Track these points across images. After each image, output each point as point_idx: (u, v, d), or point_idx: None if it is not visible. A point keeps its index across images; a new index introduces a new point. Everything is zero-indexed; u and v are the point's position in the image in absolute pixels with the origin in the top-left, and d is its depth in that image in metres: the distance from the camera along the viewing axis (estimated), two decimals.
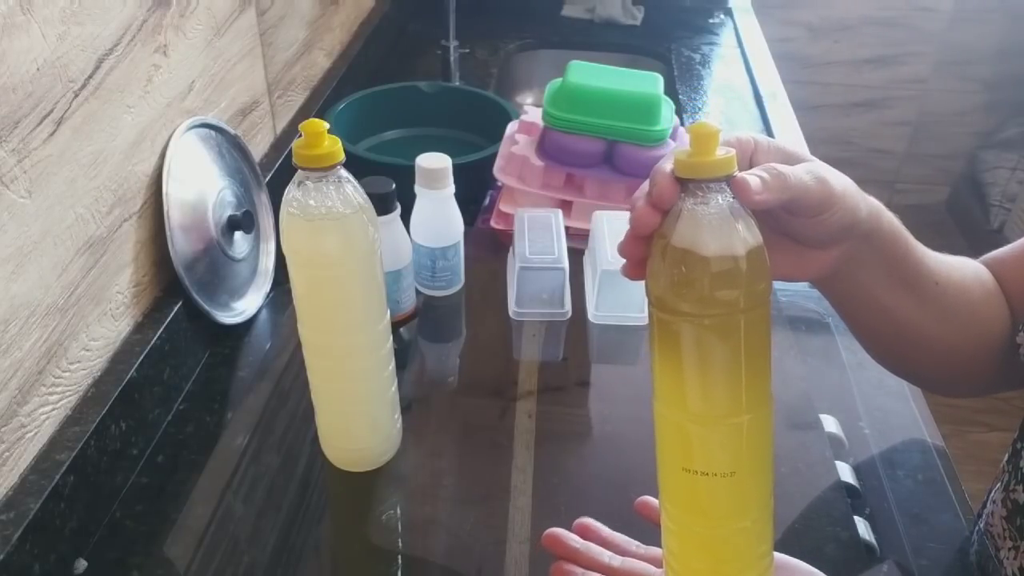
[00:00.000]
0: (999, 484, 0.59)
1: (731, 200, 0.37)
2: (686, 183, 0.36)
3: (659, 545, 0.46)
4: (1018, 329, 0.55)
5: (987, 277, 0.58)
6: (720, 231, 0.36)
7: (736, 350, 0.38)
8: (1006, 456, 0.59)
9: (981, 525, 0.60)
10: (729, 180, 0.37)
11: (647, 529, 0.60)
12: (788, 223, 0.45)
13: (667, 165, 0.38)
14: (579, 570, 0.49)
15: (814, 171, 0.43)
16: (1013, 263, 0.58)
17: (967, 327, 0.56)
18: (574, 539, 0.51)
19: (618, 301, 0.78)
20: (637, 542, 0.51)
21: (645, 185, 0.39)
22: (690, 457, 0.40)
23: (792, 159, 0.44)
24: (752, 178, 0.38)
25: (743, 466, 0.39)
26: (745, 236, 0.36)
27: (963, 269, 0.56)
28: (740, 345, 0.38)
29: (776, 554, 0.45)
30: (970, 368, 0.58)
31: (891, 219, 0.50)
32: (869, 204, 0.47)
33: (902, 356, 0.59)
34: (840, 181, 0.44)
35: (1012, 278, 0.57)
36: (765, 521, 0.42)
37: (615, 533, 0.52)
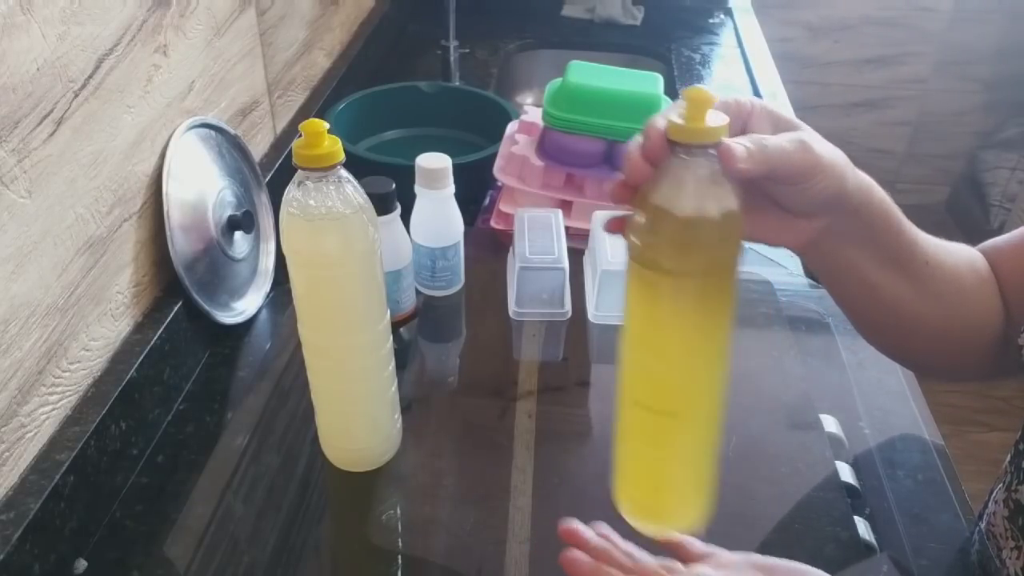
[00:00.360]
0: (1001, 484, 0.59)
1: (715, 165, 0.38)
2: (675, 144, 0.38)
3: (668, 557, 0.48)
4: (1020, 330, 0.55)
5: (981, 265, 0.58)
6: (698, 193, 0.38)
7: (697, 308, 0.41)
8: (1008, 456, 0.59)
9: (982, 525, 0.60)
10: (716, 146, 0.38)
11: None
12: (773, 189, 0.46)
13: (662, 121, 0.39)
14: (588, 559, 0.48)
15: (799, 140, 0.43)
16: (1010, 252, 0.58)
17: (957, 311, 0.55)
18: (590, 533, 0.51)
19: (618, 301, 0.78)
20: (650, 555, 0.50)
21: (639, 137, 0.41)
22: (641, 393, 0.44)
23: (783, 125, 0.45)
24: (738, 147, 0.39)
25: (686, 409, 0.43)
26: (722, 201, 0.38)
27: (956, 254, 0.56)
28: (701, 303, 0.41)
29: (787, 561, 0.47)
30: (961, 354, 0.58)
31: (883, 197, 0.50)
32: (859, 179, 0.47)
33: (891, 336, 0.59)
34: (828, 152, 0.45)
35: (1008, 268, 0.57)
36: (706, 463, 0.46)
37: (629, 543, 0.51)
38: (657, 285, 0.41)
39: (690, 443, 0.46)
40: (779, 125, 0.45)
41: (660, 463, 0.46)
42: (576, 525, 0.51)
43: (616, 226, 0.43)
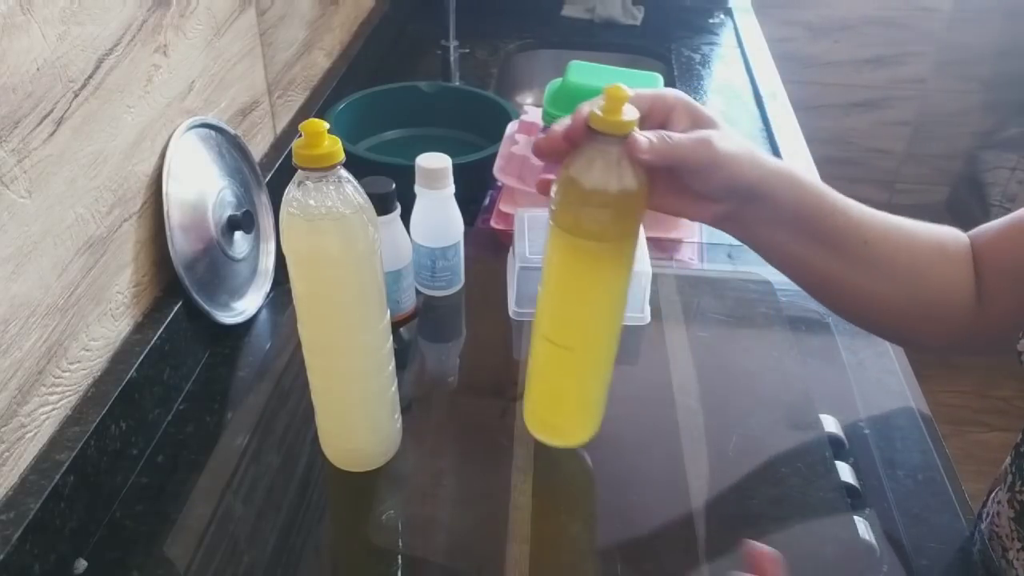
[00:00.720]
0: (1003, 485, 0.58)
1: (623, 152, 0.47)
2: (592, 131, 0.47)
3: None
4: (1019, 336, 0.55)
5: (954, 247, 0.59)
6: (604, 172, 0.47)
7: (593, 264, 0.51)
8: (1009, 458, 0.59)
9: (984, 526, 0.60)
10: (625, 137, 0.47)
11: (646, 529, 0.60)
12: (682, 175, 0.52)
13: (587, 109, 0.48)
14: None
15: (701, 138, 0.50)
16: (994, 236, 0.59)
17: (910, 287, 0.58)
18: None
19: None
20: None
21: (568, 119, 0.49)
22: (547, 329, 0.56)
23: (701, 122, 0.52)
24: (642, 139, 0.48)
25: (581, 345, 0.56)
26: (622, 180, 0.47)
27: (914, 232, 0.58)
28: (597, 261, 0.51)
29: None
30: (923, 328, 0.60)
31: (803, 185, 0.55)
32: (764, 172, 0.53)
33: (842, 306, 0.63)
34: (730, 148, 0.51)
35: (990, 251, 0.58)
36: (596, 391, 0.59)
37: None
38: (563, 240, 0.51)
39: (584, 373, 0.58)
40: (697, 122, 0.52)
41: (559, 388, 0.59)
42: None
43: (543, 187, 0.52)
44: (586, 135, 0.47)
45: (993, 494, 0.61)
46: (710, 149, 0.50)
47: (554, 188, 0.50)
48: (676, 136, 0.49)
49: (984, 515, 0.62)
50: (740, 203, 0.53)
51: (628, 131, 0.46)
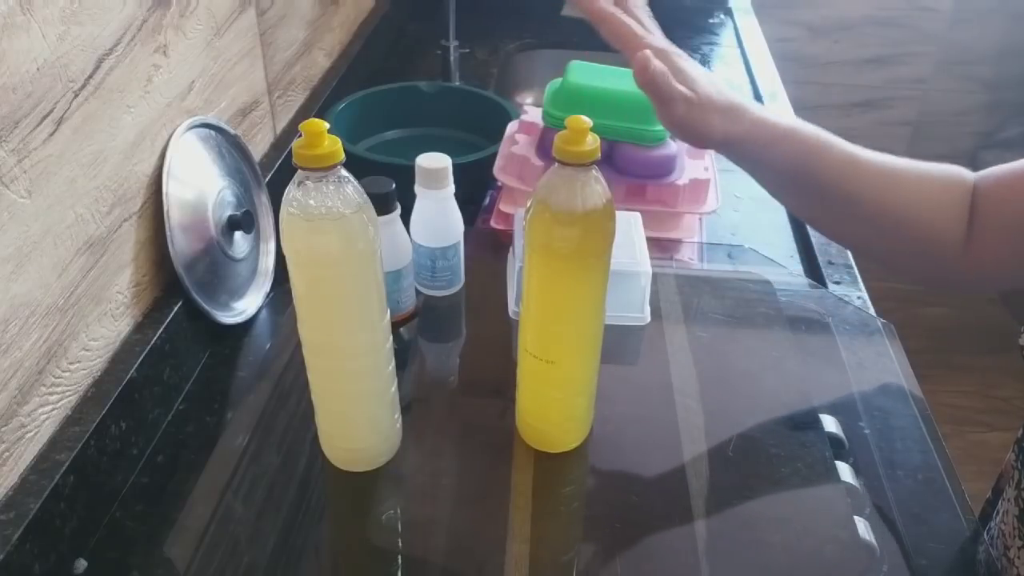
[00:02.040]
0: (1011, 483, 0.58)
1: (589, 175, 0.51)
2: (557, 160, 0.50)
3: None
4: (1020, 329, 0.55)
5: (953, 189, 0.61)
6: (569, 197, 0.51)
7: (568, 280, 0.54)
8: (1013, 455, 0.59)
9: (994, 524, 0.60)
10: (589, 165, 0.50)
11: (646, 529, 0.60)
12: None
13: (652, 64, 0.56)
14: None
15: (686, 98, 0.58)
16: (992, 184, 0.60)
17: (894, 234, 0.63)
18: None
19: (618, 301, 0.78)
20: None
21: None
22: (530, 344, 0.59)
23: (682, 75, 0.59)
24: (651, 64, 0.56)
25: (562, 359, 0.58)
26: (588, 203, 0.51)
27: (904, 179, 0.62)
28: (570, 277, 0.54)
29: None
30: (909, 264, 0.66)
31: (779, 140, 0.61)
32: (741, 128, 0.60)
33: (831, 238, 0.71)
34: (711, 87, 0.60)
35: (986, 201, 0.60)
36: (581, 400, 0.62)
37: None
38: (538, 261, 0.54)
39: (567, 386, 0.60)
40: (679, 75, 0.59)
41: (545, 399, 0.62)
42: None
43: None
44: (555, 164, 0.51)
45: (1003, 493, 0.61)
46: (685, 110, 0.58)
47: (527, 213, 0.54)
48: (673, 85, 0.57)
49: (995, 513, 0.62)
50: (724, 143, 0.62)
51: (590, 160, 0.50)
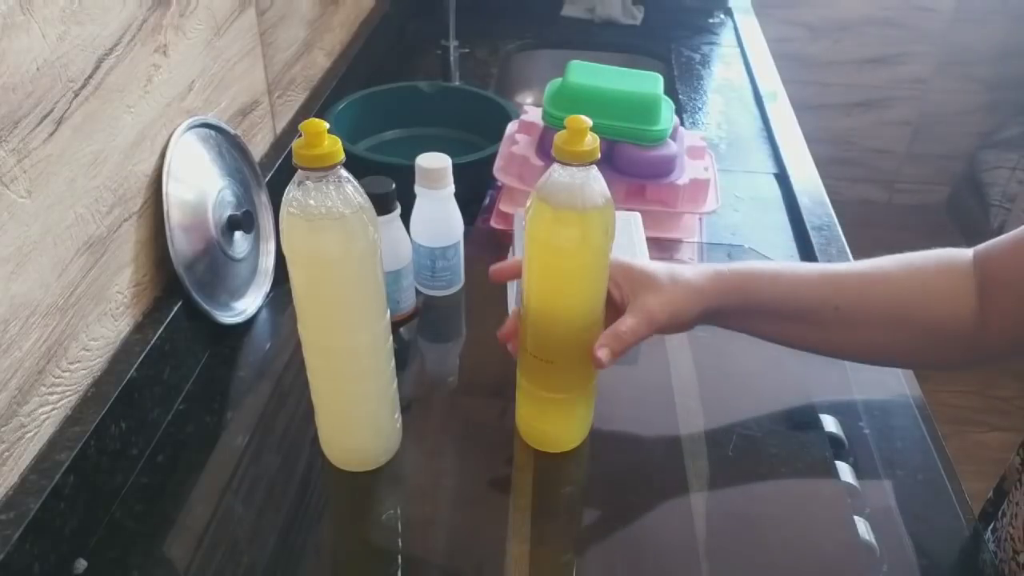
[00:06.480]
0: (1017, 486, 0.58)
1: (588, 175, 0.51)
2: (557, 160, 0.51)
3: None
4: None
5: (943, 276, 0.59)
6: (569, 196, 0.51)
7: (568, 282, 0.55)
8: (1020, 459, 0.59)
9: (999, 526, 0.60)
10: (589, 164, 0.50)
11: (646, 529, 0.60)
12: None
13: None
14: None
15: (642, 314, 0.57)
16: (998, 253, 0.59)
17: (897, 332, 0.60)
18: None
19: None
20: None
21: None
22: (530, 345, 0.59)
23: (636, 284, 0.59)
24: (602, 354, 0.55)
25: (560, 358, 0.59)
26: (587, 203, 0.51)
27: (895, 276, 0.60)
28: (572, 279, 0.55)
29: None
30: (923, 355, 0.62)
31: (747, 288, 0.60)
32: (711, 296, 0.59)
33: (841, 357, 0.66)
34: (671, 308, 0.58)
35: (993, 271, 0.58)
36: (582, 398, 0.63)
37: None
38: (537, 260, 0.55)
39: (566, 385, 0.61)
40: (633, 283, 0.59)
41: (545, 399, 0.62)
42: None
43: (498, 277, 0.65)
44: (554, 162, 0.51)
45: (1011, 495, 0.60)
46: (653, 323, 0.57)
47: (527, 213, 0.54)
48: (623, 329, 0.56)
49: (1000, 515, 0.61)
50: (705, 320, 0.61)
51: (590, 160, 0.50)
